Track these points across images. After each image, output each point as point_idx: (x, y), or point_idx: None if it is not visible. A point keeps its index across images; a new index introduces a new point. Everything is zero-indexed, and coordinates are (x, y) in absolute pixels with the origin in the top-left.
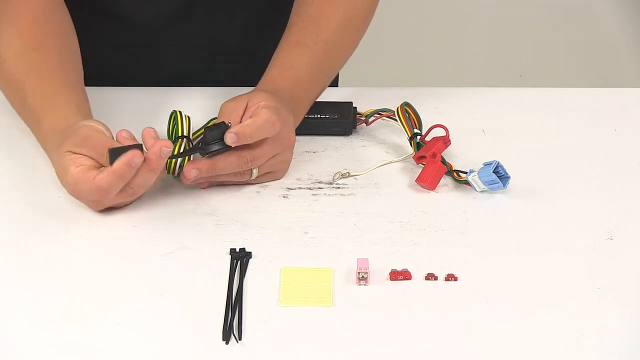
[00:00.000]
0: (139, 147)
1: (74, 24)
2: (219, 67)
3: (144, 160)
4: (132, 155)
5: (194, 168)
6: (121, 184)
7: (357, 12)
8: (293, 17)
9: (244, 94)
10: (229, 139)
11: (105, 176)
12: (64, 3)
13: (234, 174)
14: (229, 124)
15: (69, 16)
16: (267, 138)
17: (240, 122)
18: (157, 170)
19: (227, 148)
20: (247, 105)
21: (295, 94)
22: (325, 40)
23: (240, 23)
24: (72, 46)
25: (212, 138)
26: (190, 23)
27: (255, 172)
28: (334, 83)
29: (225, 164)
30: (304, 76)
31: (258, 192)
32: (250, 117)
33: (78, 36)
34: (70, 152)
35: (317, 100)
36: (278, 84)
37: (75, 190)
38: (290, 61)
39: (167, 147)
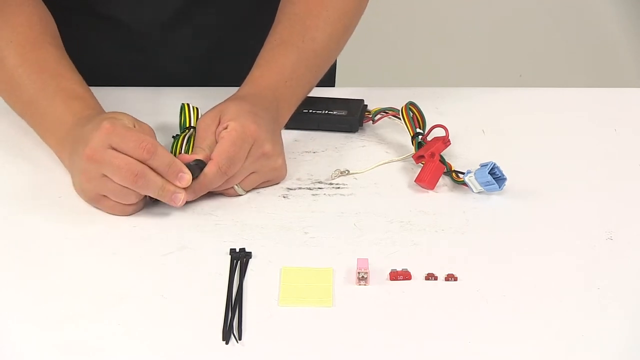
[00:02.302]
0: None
1: (72, 27)
2: (217, 70)
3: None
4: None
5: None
6: (160, 168)
7: (345, 10)
8: (279, 16)
9: (218, 105)
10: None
11: (164, 153)
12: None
13: (223, 190)
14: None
15: (50, 15)
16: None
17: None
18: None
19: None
20: (219, 119)
21: (279, 92)
22: (312, 38)
23: (238, 26)
24: (61, 42)
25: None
26: (188, 27)
27: (239, 189)
28: (331, 83)
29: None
30: (289, 74)
31: (258, 192)
32: (216, 140)
33: (75, 39)
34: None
35: (327, 96)
36: (260, 84)
37: (107, 139)
38: (274, 60)
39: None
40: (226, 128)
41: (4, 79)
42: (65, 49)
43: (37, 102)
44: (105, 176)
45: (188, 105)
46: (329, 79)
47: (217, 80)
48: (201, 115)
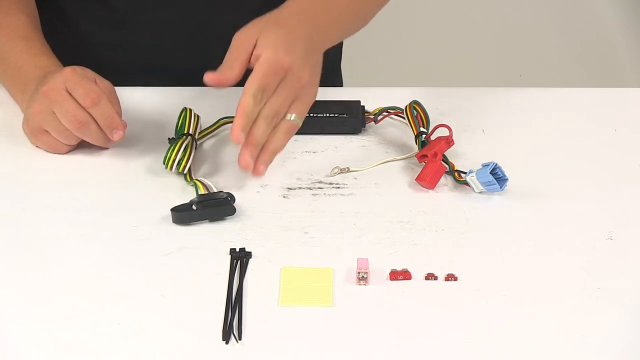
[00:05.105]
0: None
1: (59, 9)
2: (201, 54)
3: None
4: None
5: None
6: (99, 119)
7: None
8: None
9: (258, 24)
10: (235, 139)
11: (107, 106)
12: None
13: (273, 127)
14: (227, 198)
15: None
16: (278, 88)
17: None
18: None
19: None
20: (256, 42)
21: (317, 18)
22: None
23: (224, 9)
24: (35, 12)
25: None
26: (171, 7)
27: (295, 118)
28: (339, 83)
29: (258, 129)
30: None
31: (258, 192)
32: (251, 67)
33: (61, 19)
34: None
35: (325, 99)
36: (296, 8)
37: (64, 81)
38: None
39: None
40: (260, 58)
41: None
42: (50, 29)
43: (6, 59)
44: (54, 113)
45: (190, 110)
46: (337, 79)
47: (201, 65)
48: (240, 30)
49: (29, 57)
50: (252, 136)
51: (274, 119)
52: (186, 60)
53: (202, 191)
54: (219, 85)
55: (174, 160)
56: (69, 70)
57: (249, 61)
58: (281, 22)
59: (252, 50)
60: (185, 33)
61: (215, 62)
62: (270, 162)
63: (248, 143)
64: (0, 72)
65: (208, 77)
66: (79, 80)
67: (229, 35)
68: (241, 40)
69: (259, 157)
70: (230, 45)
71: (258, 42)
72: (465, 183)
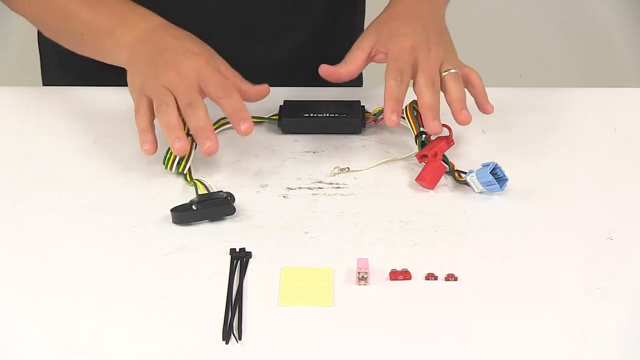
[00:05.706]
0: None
1: None
2: (245, 49)
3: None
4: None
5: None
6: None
7: None
8: None
9: (372, 28)
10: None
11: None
12: None
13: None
14: (228, 197)
15: None
16: (417, 66)
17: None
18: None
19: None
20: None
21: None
22: None
23: (271, 3)
24: None
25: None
26: (217, 2)
27: (448, 71)
28: (359, 83)
29: (427, 96)
30: None
31: (258, 192)
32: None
33: None
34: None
35: (325, 99)
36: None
37: (204, 66)
38: None
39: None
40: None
41: (57, 10)
42: None
43: (99, 15)
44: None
45: None
46: (357, 80)
47: (245, 60)
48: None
49: (127, 8)
50: (426, 104)
51: (434, 84)
52: (231, 56)
53: (202, 191)
54: (331, 77)
55: (173, 160)
56: (202, 61)
57: (367, 61)
58: (388, 21)
59: (370, 51)
60: (231, 27)
61: (258, 60)
62: (466, 108)
63: (425, 111)
64: (87, 32)
65: (323, 69)
66: (207, 66)
67: (277, 32)
68: (359, 41)
69: (456, 110)
70: (355, 45)
71: (379, 40)
72: (465, 183)
